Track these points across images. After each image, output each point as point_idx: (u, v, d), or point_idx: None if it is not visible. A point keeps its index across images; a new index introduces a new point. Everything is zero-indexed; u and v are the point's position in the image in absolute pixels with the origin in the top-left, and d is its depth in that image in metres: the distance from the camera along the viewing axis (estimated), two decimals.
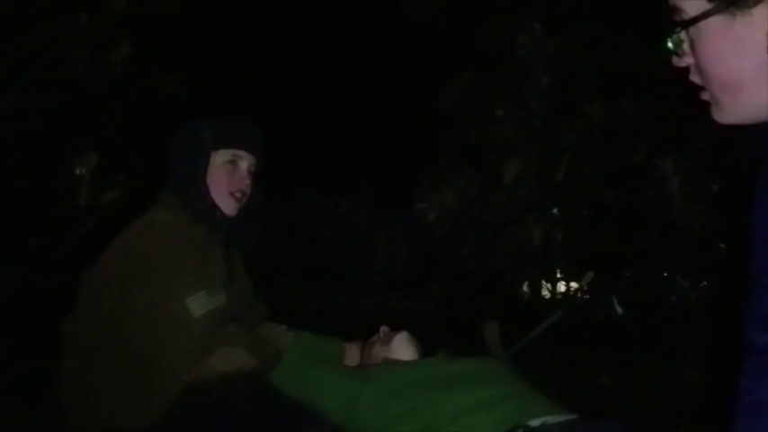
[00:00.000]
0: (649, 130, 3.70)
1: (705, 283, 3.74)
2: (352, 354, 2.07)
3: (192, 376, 1.80)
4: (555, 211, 3.67)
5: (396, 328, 2.07)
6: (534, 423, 1.60)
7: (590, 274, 3.75)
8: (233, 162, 2.02)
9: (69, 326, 1.96)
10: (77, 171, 3.48)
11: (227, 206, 2.01)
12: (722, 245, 3.45)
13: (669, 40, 0.94)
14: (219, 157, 2.01)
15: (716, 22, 0.90)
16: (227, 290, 1.96)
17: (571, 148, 3.74)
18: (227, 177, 2.01)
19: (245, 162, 2.03)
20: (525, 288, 4.32)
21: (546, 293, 4.22)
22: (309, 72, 6.79)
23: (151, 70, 4.06)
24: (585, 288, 3.88)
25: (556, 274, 4.00)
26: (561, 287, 4.11)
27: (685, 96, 1.03)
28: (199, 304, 1.83)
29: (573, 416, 1.66)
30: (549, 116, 3.82)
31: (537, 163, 3.72)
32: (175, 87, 4.11)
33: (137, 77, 3.91)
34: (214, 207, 1.99)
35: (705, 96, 0.97)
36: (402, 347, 1.99)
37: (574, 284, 3.98)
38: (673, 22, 0.94)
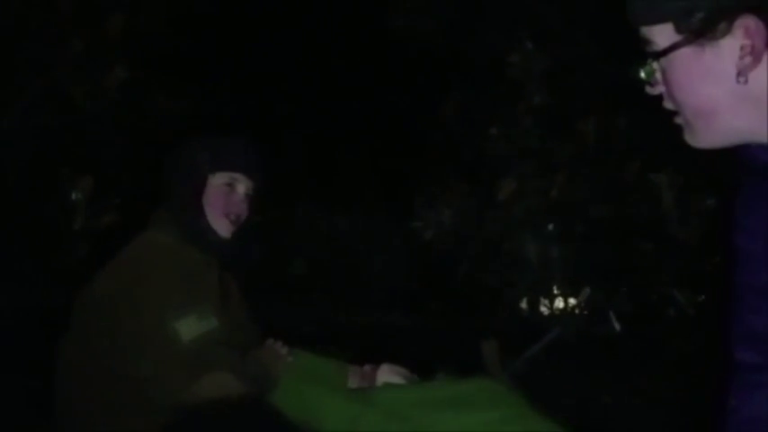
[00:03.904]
0: (643, 145, 3.72)
1: (703, 297, 3.74)
2: (354, 376, 2.05)
3: (182, 401, 1.79)
4: (550, 227, 3.68)
5: (389, 349, 2.04)
6: None
7: (586, 290, 3.76)
8: (230, 185, 2.01)
9: (63, 347, 1.95)
10: (73, 195, 3.47)
11: (223, 228, 2.00)
12: (718, 258, 3.46)
13: (641, 70, 0.98)
14: (217, 180, 2.00)
15: (686, 53, 0.93)
16: (221, 313, 1.94)
17: (565, 164, 3.77)
18: (224, 200, 2.00)
19: (243, 185, 2.02)
20: (523, 305, 4.32)
21: (544, 310, 4.23)
22: (306, 90, 6.83)
23: (147, 93, 4.07)
24: (582, 305, 3.89)
25: (552, 290, 4.00)
26: (559, 303, 4.11)
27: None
28: (189, 328, 1.81)
29: None
30: (543, 133, 3.85)
31: (532, 180, 3.74)
32: (172, 109, 4.11)
33: (133, 100, 3.92)
34: (208, 229, 1.98)
35: (678, 120, 1.00)
36: (387, 380, 1.97)
37: (571, 301, 3.98)
38: (644, 52, 0.97)
